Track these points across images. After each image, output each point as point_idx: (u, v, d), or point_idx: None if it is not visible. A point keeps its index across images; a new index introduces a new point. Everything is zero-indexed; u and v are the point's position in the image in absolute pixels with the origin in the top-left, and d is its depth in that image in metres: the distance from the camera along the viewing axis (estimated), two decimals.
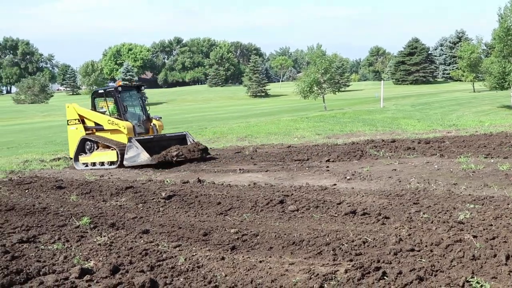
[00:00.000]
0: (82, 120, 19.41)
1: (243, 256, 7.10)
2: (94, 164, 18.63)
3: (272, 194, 10.93)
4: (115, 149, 17.98)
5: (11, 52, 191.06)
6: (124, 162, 17.61)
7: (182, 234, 8.37)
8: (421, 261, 6.34)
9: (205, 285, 6.16)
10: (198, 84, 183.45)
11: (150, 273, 6.62)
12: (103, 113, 19.13)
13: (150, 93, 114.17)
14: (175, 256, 7.25)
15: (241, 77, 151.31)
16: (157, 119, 19.78)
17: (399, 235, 7.40)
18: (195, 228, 8.71)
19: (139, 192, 12.21)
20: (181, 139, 19.33)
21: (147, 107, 19.91)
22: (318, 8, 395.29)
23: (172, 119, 51.01)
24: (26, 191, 13.71)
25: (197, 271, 6.66)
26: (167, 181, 13.79)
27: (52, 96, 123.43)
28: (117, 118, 18.61)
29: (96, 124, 19.18)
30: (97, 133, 19.17)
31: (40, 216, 10.32)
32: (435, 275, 5.88)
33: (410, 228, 7.74)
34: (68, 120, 19.84)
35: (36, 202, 11.95)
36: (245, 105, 79.79)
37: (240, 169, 15.18)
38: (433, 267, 6.08)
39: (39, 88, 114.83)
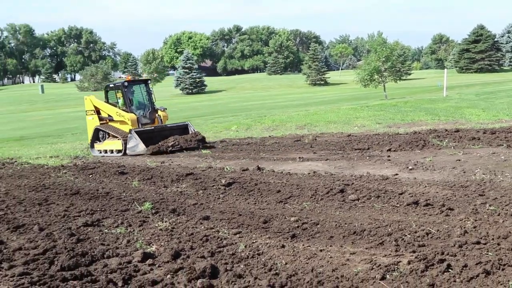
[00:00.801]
0: (97, 111, 21.05)
1: (303, 245, 7.06)
2: (106, 151, 20.07)
3: (332, 183, 10.83)
4: (120, 139, 19.38)
5: (76, 40, 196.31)
6: (127, 151, 19.03)
7: (242, 221, 8.40)
8: (487, 254, 6.16)
9: (265, 272, 6.16)
10: (257, 72, 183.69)
11: (211, 259, 6.68)
12: (115, 104, 20.60)
13: (209, 81, 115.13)
14: (235, 243, 7.28)
15: (300, 65, 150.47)
16: (162, 110, 21.09)
17: (464, 227, 7.21)
18: (255, 216, 8.72)
19: (199, 179, 12.33)
20: (183, 129, 20.61)
21: (154, 99, 21.12)
22: None
23: (231, 107, 51.28)
24: (90, 176, 14.09)
25: (257, 258, 6.67)
26: (226, 168, 13.86)
27: None
28: (124, 111, 20.08)
29: (109, 115, 20.73)
30: (109, 123, 20.76)
31: (104, 201, 10.59)
32: (503, 269, 5.71)
33: (476, 220, 7.52)
34: (86, 111, 21.56)
35: (99, 187, 12.26)
36: (304, 93, 79.34)
37: (299, 158, 15.11)
38: (500, 261, 5.89)
39: (102, 76, 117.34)
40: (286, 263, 6.43)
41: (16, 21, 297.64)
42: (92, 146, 20.61)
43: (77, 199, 10.89)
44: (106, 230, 8.32)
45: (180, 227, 8.24)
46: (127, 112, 19.97)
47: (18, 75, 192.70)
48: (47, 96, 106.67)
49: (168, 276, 6.23)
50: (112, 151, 19.80)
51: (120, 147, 19.38)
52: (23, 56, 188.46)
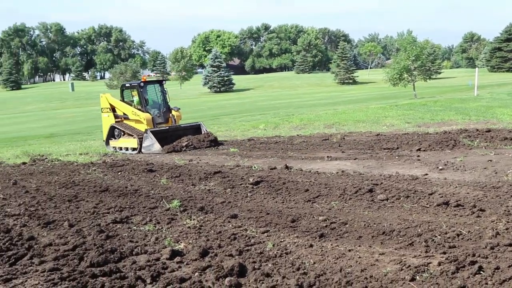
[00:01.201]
0: (113, 109, 21.49)
1: (331, 244, 7.02)
2: (121, 148, 20.52)
3: (361, 183, 10.75)
4: (136, 138, 19.73)
5: (105, 39, 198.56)
6: (142, 150, 19.47)
7: (270, 220, 8.38)
8: None
9: (293, 271, 6.13)
10: (285, 70, 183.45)
11: (239, 257, 6.68)
12: (130, 103, 20.95)
13: (238, 80, 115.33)
14: (263, 242, 7.27)
15: (328, 64, 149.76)
16: (176, 110, 21.50)
17: (496, 229, 7.09)
18: (283, 214, 8.70)
19: (227, 177, 12.34)
20: (195, 129, 21.10)
21: (168, 99, 21.48)
22: None
23: (259, 106, 51.26)
24: (119, 173, 14.21)
25: (285, 257, 6.64)
26: (254, 167, 13.85)
27: None
28: (139, 110, 20.41)
29: (124, 113, 21.10)
30: (125, 121, 21.15)
31: (132, 198, 10.66)
32: None
33: (508, 222, 7.39)
34: (102, 108, 22.04)
35: (128, 184, 12.36)
36: (333, 92, 78.97)
37: (328, 157, 15.03)
38: None
39: (131, 74, 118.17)
40: (314, 263, 6.39)
41: (47, 20, 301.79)
42: (107, 143, 21.18)
43: (106, 196, 10.99)
44: (134, 227, 8.38)
45: (208, 225, 8.25)
46: (142, 111, 20.31)
47: (49, 73, 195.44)
48: (77, 94, 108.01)
49: (196, 274, 6.24)
50: (127, 149, 20.23)
51: (136, 145, 19.76)
52: (54, 55, 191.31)
